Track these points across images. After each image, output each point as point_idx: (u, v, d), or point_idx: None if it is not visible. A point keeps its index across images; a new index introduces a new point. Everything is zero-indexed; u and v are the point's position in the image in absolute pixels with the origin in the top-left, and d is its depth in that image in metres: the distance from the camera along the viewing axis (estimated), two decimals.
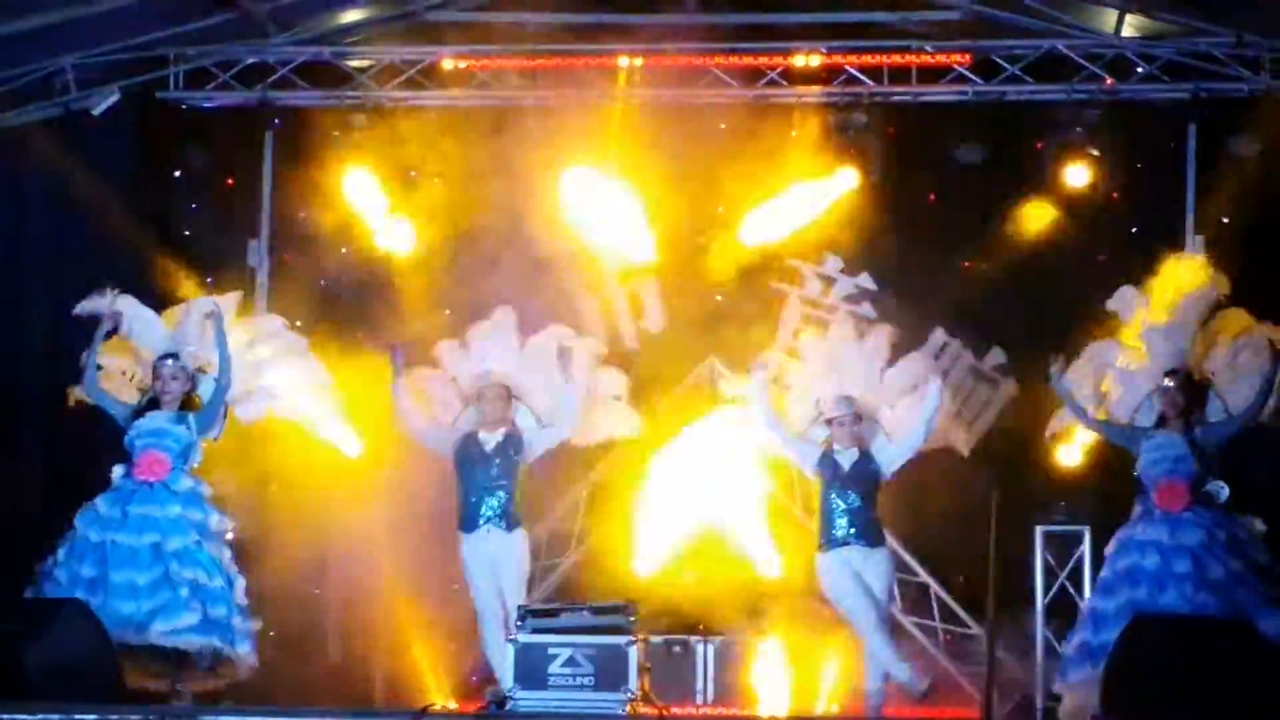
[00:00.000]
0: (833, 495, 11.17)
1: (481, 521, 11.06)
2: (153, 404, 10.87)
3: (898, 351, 11.55)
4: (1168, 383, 10.85)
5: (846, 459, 11.17)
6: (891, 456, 11.23)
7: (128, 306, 11.15)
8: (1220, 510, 10.74)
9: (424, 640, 12.78)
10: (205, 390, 10.96)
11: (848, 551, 11.11)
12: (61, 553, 10.49)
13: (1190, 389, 10.87)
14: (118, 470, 10.77)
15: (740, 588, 12.90)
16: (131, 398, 11.07)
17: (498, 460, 11.09)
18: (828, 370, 11.49)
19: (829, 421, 11.25)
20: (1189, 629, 9.61)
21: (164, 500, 10.60)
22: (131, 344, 11.21)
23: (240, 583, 10.72)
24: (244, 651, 10.53)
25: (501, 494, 11.06)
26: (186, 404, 10.90)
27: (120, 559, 10.39)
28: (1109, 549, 10.89)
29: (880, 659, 10.98)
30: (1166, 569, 10.52)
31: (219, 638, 10.41)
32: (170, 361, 10.87)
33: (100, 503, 10.63)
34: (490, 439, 11.13)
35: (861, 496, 11.13)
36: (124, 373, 11.18)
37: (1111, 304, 11.42)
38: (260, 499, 12.38)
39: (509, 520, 11.08)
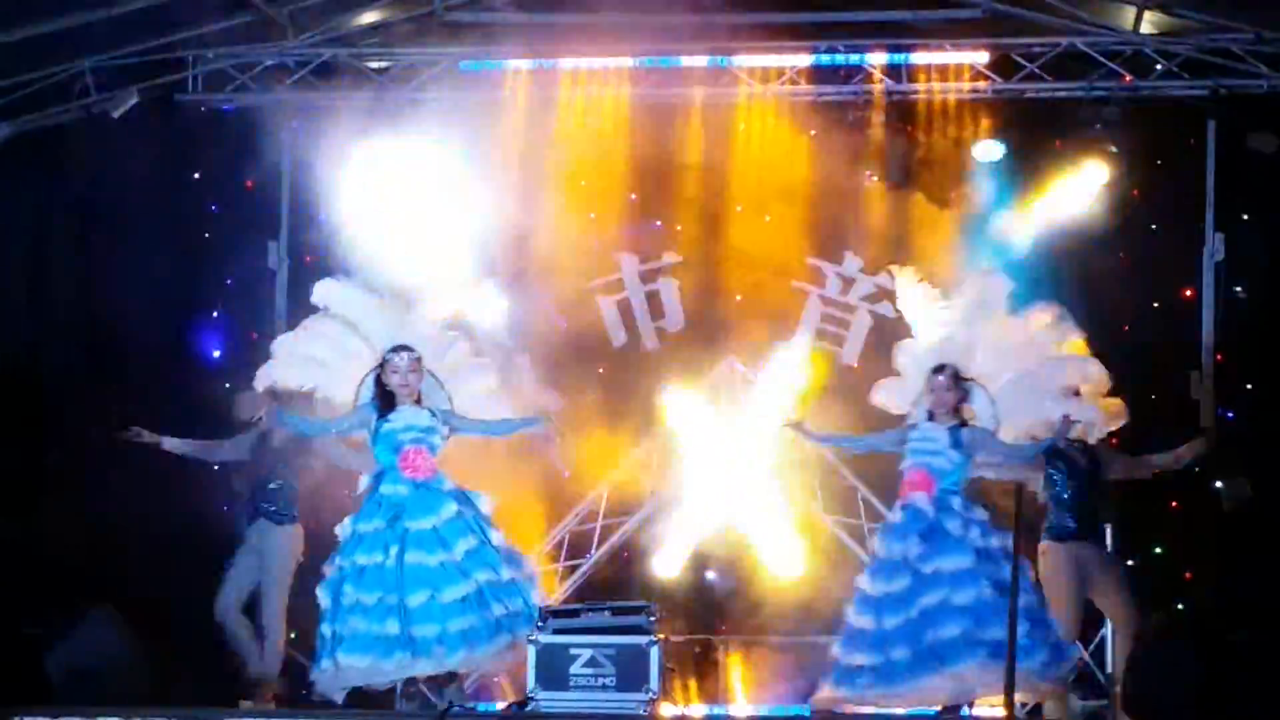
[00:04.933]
0: None
1: None
2: (386, 399, 10.41)
3: None
4: (936, 378, 10.67)
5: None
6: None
7: (346, 291, 10.73)
8: (959, 501, 10.50)
9: None
10: (437, 399, 10.53)
11: None
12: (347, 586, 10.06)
13: (959, 386, 10.65)
14: (364, 480, 10.39)
15: (762, 588, 12.92)
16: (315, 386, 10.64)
17: None
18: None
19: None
20: (1208, 626, 9.60)
21: (437, 504, 10.17)
22: (336, 329, 10.69)
23: (528, 566, 10.43)
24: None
25: None
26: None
27: (416, 580, 9.96)
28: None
29: None
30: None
31: (511, 632, 10.01)
32: (406, 354, 10.37)
33: (363, 521, 10.21)
34: None
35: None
36: (322, 363, 10.65)
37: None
38: None
39: None
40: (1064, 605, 10.95)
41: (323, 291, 10.74)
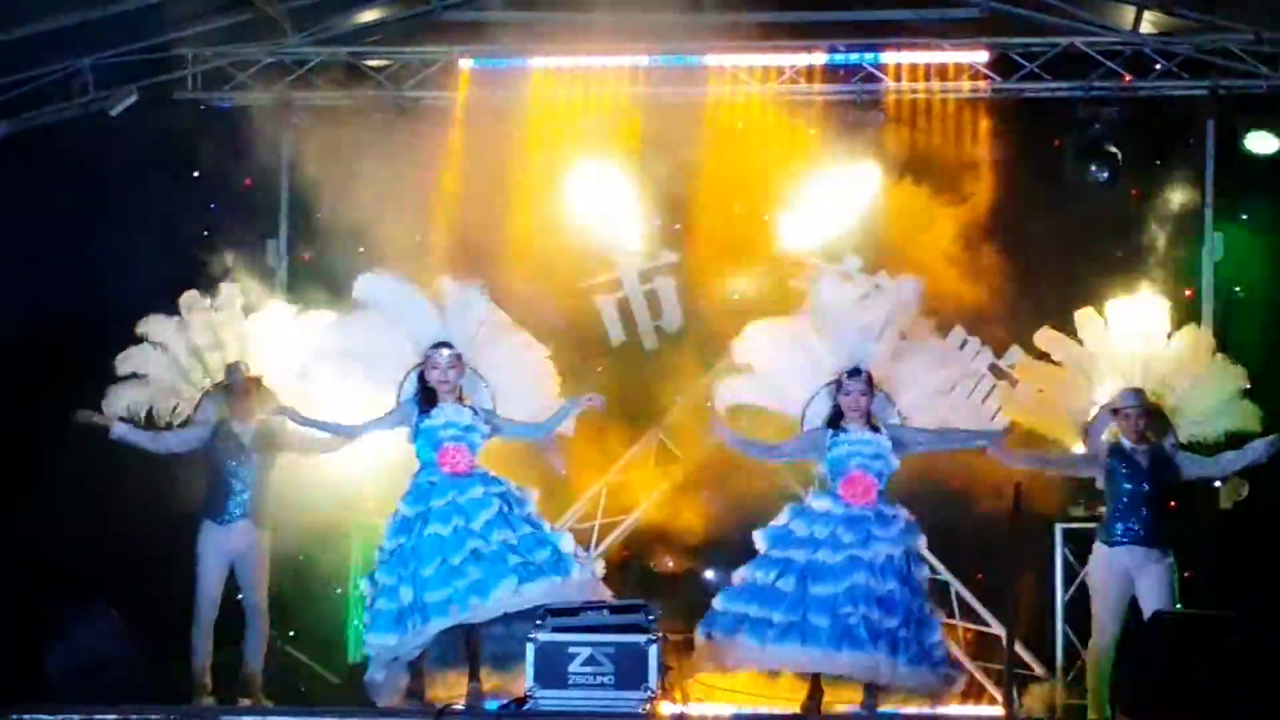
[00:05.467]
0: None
1: None
2: (428, 396, 10.42)
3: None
4: (851, 381, 10.57)
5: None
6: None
7: (390, 286, 10.66)
8: (888, 499, 10.53)
9: None
10: (479, 398, 10.57)
11: None
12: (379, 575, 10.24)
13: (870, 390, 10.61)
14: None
15: None
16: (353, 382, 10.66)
17: None
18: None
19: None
20: (1207, 626, 9.60)
21: (465, 486, 10.28)
22: (378, 324, 10.65)
23: (556, 529, 10.54)
24: (578, 576, 10.22)
25: None
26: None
27: (430, 550, 10.09)
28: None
29: None
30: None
31: (553, 574, 10.12)
32: (446, 351, 10.39)
33: (403, 507, 10.32)
34: None
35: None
36: (362, 358, 10.64)
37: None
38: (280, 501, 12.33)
39: None
40: (1102, 610, 10.94)
41: (365, 287, 10.66)
